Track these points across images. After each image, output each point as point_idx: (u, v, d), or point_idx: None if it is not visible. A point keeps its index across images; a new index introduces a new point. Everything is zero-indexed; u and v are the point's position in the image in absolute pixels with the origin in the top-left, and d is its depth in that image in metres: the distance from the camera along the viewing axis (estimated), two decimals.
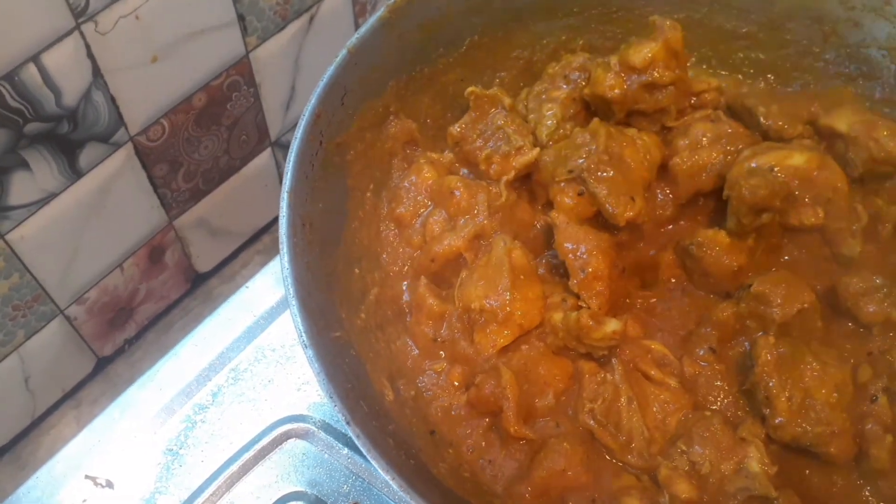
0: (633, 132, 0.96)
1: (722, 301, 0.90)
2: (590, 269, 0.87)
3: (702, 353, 0.87)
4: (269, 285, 1.13)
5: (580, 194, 0.91)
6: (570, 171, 0.92)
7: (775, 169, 0.89)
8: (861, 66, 1.04)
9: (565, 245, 0.88)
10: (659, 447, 0.82)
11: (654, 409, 0.83)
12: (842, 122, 0.95)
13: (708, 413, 0.82)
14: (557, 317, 0.87)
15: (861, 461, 0.80)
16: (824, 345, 0.85)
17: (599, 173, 0.90)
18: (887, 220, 0.92)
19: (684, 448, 0.79)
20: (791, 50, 1.07)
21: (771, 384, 0.79)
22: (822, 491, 0.80)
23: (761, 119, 0.99)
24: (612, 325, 0.84)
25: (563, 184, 0.93)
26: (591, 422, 0.83)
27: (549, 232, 0.94)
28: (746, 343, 0.87)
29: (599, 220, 0.93)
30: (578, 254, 0.87)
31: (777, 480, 0.77)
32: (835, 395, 0.79)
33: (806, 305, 0.84)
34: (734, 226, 0.90)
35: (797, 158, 0.90)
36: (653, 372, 0.85)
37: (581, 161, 0.91)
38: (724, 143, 0.95)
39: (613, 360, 0.85)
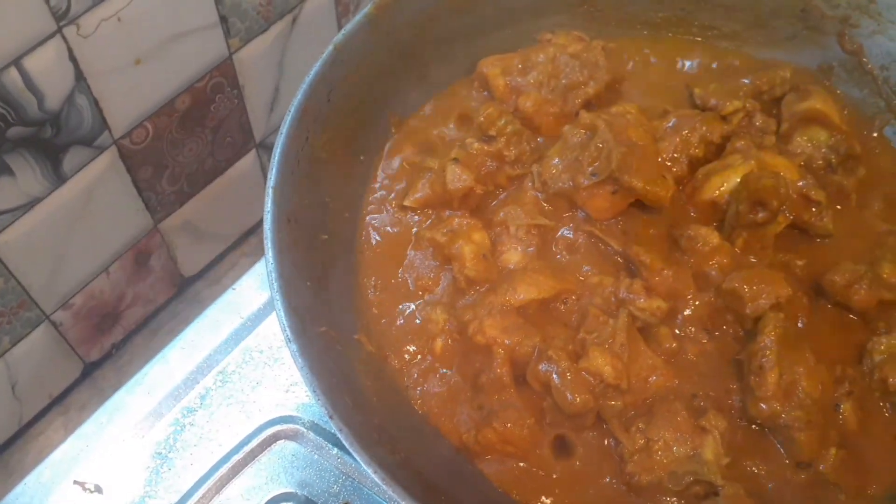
0: (620, 109, 0.95)
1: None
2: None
3: (692, 330, 0.87)
4: (256, 287, 1.12)
5: (615, 193, 0.91)
6: (594, 175, 0.90)
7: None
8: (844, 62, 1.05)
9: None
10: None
11: (637, 366, 0.82)
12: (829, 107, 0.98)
13: (672, 398, 0.82)
14: (608, 280, 0.87)
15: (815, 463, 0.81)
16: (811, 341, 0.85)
17: (628, 167, 0.89)
18: (850, 191, 0.97)
19: (642, 426, 0.80)
20: (775, 47, 1.08)
21: (769, 355, 0.80)
22: (772, 491, 0.80)
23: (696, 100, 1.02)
24: (659, 302, 0.85)
25: (585, 191, 0.92)
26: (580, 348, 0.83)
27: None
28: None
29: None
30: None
31: (726, 472, 0.78)
32: (819, 389, 0.80)
33: (781, 300, 0.84)
34: (732, 214, 0.90)
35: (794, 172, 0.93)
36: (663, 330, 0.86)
37: (598, 164, 0.90)
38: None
39: (621, 309, 0.84)
